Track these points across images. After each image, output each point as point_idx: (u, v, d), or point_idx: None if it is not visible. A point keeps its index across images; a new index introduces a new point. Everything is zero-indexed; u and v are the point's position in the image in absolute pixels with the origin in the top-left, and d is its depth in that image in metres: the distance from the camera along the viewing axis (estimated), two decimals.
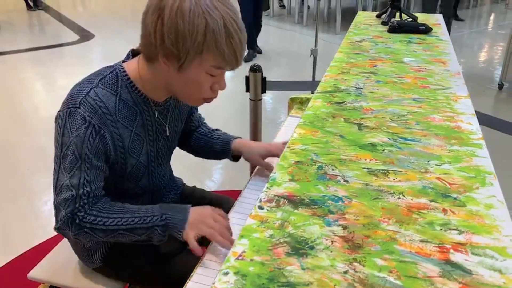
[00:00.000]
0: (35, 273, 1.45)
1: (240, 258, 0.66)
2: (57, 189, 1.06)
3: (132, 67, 1.07)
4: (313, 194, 0.80)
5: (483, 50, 5.81)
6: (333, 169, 0.88)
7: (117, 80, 1.06)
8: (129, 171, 1.17)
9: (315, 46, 3.12)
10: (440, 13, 6.06)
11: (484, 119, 3.54)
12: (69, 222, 1.05)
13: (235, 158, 1.35)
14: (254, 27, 5.20)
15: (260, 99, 2.57)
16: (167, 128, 1.22)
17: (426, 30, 1.83)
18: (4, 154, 3.33)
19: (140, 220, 1.01)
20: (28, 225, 2.52)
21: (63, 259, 1.51)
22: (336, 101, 1.20)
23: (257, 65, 2.87)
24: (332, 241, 0.69)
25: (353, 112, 1.13)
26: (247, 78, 2.81)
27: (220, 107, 4.00)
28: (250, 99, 2.57)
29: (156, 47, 0.96)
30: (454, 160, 0.91)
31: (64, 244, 1.58)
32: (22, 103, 4.22)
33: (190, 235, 0.98)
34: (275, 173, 0.88)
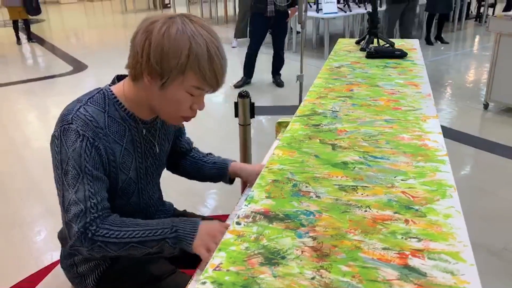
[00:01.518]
0: None
1: (217, 269, 0.72)
2: (65, 207, 1.09)
3: (118, 89, 1.15)
4: (287, 210, 0.87)
5: (468, 71, 5.98)
6: (306, 186, 0.95)
7: (105, 99, 1.14)
8: (120, 187, 1.22)
9: (301, 72, 3.23)
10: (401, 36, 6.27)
11: (470, 140, 3.64)
12: (82, 237, 1.07)
13: (230, 180, 1.41)
14: (275, 59, 5.28)
15: (249, 124, 2.65)
16: (156, 145, 1.28)
17: (401, 55, 1.93)
18: None
19: (151, 232, 1.04)
20: (20, 256, 2.54)
21: (56, 286, 1.55)
22: (313, 124, 1.28)
23: (245, 91, 2.96)
24: (302, 251, 0.75)
25: (328, 133, 1.21)
26: (236, 104, 2.90)
27: (211, 132, 4.08)
28: (239, 124, 2.65)
29: (142, 65, 1.04)
30: (419, 175, 0.98)
31: (56, 273, 1.61)
32: (15, 134, 4.28)
33: (200, 248, 1.01)
34: (253, 191, 0.95)
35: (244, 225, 0.83)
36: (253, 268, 0.71)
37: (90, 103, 1.12)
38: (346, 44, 2.26)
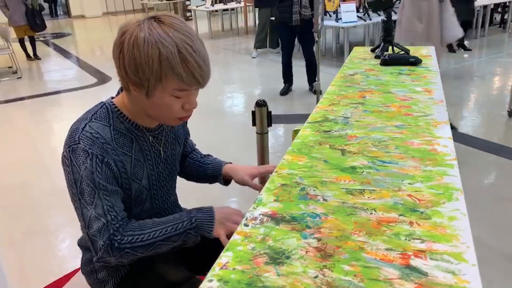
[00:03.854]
0: None
1: (223, 267, 0.75)
2: (87, 223, 1.12)
3: (119, 100, 1.17)
4: (294, 212, 0.89)
5: (492, 78, 5.88)
6: (314, 190, 0.97)
7: (108, 113, 1.16)
8: (133, 196, 1.26)
9: (317, 80, 3.25)
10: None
11: (494, 148, 3.59)
12: (109, 249, 1.10)
13: (226, 182, 1.44)
14: (308, 66, 5.33)
15: (266, 132, 2.68)
16: (161, 151, 1.31)
17: (416, 62, 1.94)
18: (22, 195, 3.48)
19: (172, 228, 1.10)
20: (44, 263, 2.61)
21: None
22: (324, 130, 1.30)
23: (262, 100, 3.01)
24: (306, 251, 0.77)
25: (339, 139, 1.23)
26: (253, 113, 2.95)
27: (229, 140, 4.13)
28: (256, 133, 2.69)
29: (124, 78, 1.07)
30: (426, 179, 0.99)
31: (77, 279, 1.66)
32: (40, 146, 4.42)
33: (220, 232, 1.08)
34: (261, 195, 0.98)
35: (251, 226, 0.86)
36: (258, 267, 0.74)
37: (95, 119, 1.14)
38: (361, 52, 2.27)
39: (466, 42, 7.44)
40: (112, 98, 1.21)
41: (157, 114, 1.14)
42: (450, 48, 7.23)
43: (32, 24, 7.97)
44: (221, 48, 8.91)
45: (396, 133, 1.25)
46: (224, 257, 0.77)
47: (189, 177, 1.50)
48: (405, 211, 0.87)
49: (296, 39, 5.45)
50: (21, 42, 8.27)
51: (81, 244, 1.50)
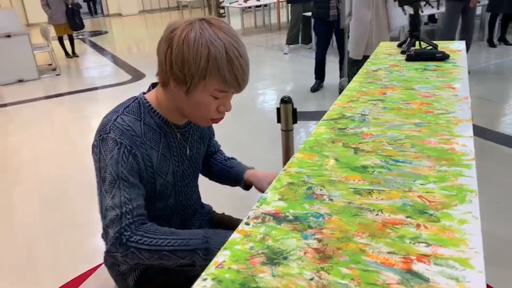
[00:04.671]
0: None
1: (219, 266, 0.74)
2: (103, 212, 1.14)
3: (152, 96, 1.20)
4: (297, 212, 0.87)
5: None
6: (321, 189, 0.95)
7: (140, 107, 1.19)
8: (158, 190, 1.27)
9: (344, 76, 3.19)
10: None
11: None
12: (117, 243, 1.11)
13: (247, 187, 1.44)
14: (342, 63, 5.28)
15: (291, 129, 2.66)
16: (187, 148, 1.32)
17: (443, 57, 1.87)
18: (59, 188, 3.60)
19: (182, 242, 1.04)
20: (75, 255, 2.70)
21: (100, 283, 1.64)
22: (339, 127, 1.27)
23: (287, 96, 2.96)
24: (305, 252, 0.75)
25: (353, 137, 1.20)
26: (278, 110, 2.91)
27: (257, 137, 4.12)
28: (281, 130, 2.67)
29: (167, 72, 1.08)
30: (439, 180, 0.95)
31: (101, 271, 1.70)
32: (77, 141, 4.56)
33: None
34: (267, 193, 0.96)
35: (252, 225, 0.84)
36: (254, 267, 0.73)
37: (127, 112, 1.17)
38: (387, 48, 2.21)
39: (507, 37, 7.12)
40: (144, 93, 1.23)
41: (191, 113, 1.16)
42: (491, 43, 6.95)
43: (72, 23, 8.23)
44: (254, 44, 8.91)
45: (414, 131, 1.20)
46: (221, 256, 0.77)
47: (211, 177, 1.51)
48: (413, 213, 0.84)
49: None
50: (60, 40, 8.55)
51: (103, 237, 1.53)
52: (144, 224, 1.14)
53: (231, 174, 1.43)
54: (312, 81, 5.47)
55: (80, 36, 11.61)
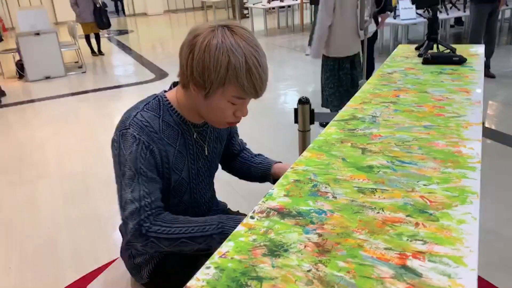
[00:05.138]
0: (93, 286, 1.64)
1: (223, 256, 0.78)
2: (122, 205, 1.20)
3: (172, 95, 1.25)
4: (301, 208, 0.91)
5: None
6: (326, 187, 0.98)
7: (159, 105, 1.24)
8: (172, 187, 1.32)
9: (364, 78, 3.19)
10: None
11: None
12: (137, 234, 1.18)
13: (275, 181, 1.48)
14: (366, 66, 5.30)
15: (309, 130, 2.68)
16: (206, 148, 1.37)
17: (460, 61, 1.87)
18: (80, 182, 3.71)
19: (199, 228, 1.11)
20: (96, 247, 2.78)
21: (117, 275, 1.70)
22: (349, 128, 1.30)
23: (305, 97, 3.00)
24: (305, 246, 0.79)
25: (362, 138, 1.22)
26: (295, 110, 2.95)
27: (277, 138, 4.16)
28: (298, 130, 2.69)
29: (187, 76, 1.13)
30: (443, 181, 0.97)
31: (117, 264, 1.77)
32: (100, 137, 4.67)
33: None
34: (273, 189, 1.00)
35: (257, 219, 0.88)
36: (255, 258, 0.76)
37: (146, 109, 1.23)
38: (405, 50, 2.22)
39: None
40: (165, 91, 1.28)
41: (209, 116, 1.21)
42: None
43: (99, 22, 8.43)
44: (276, 45, 8.94)
45: (423, 133, 1.22)
46: (225, 247, 0.81)
47: (240, 176, 1.54)
48: (413, 212, 0.86)
49: None
50: (87, 38, 8.76)
51: (121, 229, 1.60)
52: (161, 214, 1.20)
53: (258, 170, 1.47)
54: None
55: (106, 35, 11.84)
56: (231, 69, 1.06)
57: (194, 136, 1.32)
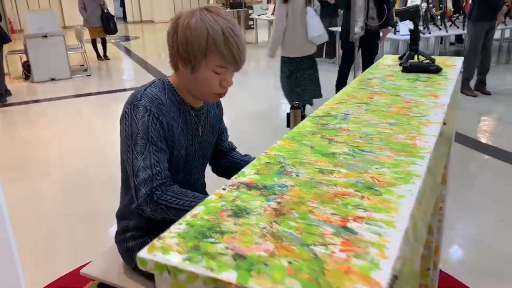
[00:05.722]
0: (86, 270, 1.77)
1: (193, 216, 0.91)
2: (134, 172, 1.32)
3: (172, 79, 1.44)
4: (267, 183, 1.04)
5: None
6: (291, 168, 1.12)
7: (164, 85, 1.42)
8: (172, 161, 1.46)
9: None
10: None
11: None
12: (149, 199, 1.30)
13: None
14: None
15: None
16: (200, 130, 1.52)
17: (436, 70, 2.01)
18: (81, 181, 3.84)
19: None
20: (96, 243, 2.91)
21: (110, 260, 1.82)
22: (322, 123, 1.43)
23: (297, 103, 3.17)
24: (264, 210, 0.92)
25: (331, 131, 1.36)
26: (288, 115, 3.11)
27: (265, 142, 4.29)
28: None
29: (175, 55, 1.31)
30: (394, 166, 1.10)
31: (111, 251, 1.89)
32: (101, 137, 4.82)
33: None
34: (247, 169, 1.13)
35: (228, 190, 1.02)
36: (221, 218, 0.90)
37: (154, 86, 1.41)
38: (389, 59, 2.36)
39: None
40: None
41: (198, 89, 1.39)
42: None
43: (106, 27, 8.65)
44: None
45: (386, 129, 1.36)
46: (197, 209, 0.94)
47: (228, 175, 1.65)
48: (362, 188, 1.00)
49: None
50: (93, 43, 8.97)
51: (117, 215, 1.73)
52: (172, 185, 1.33)
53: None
54: (332, 94, 5.62)
55: (113, 40, 12.07)
56: (210, 40, 1.25)
57: (193, 116, 1.47)
